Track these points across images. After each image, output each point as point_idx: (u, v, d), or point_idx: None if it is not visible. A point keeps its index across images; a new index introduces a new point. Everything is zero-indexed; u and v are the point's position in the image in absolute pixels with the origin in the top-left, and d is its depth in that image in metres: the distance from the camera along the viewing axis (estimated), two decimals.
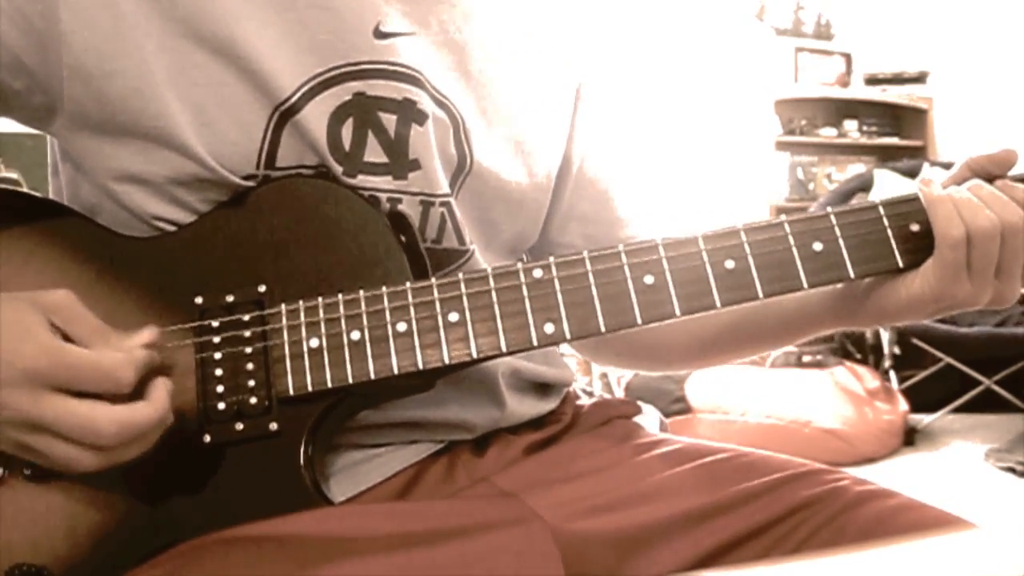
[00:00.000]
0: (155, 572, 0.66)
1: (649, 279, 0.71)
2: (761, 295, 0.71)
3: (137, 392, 0.64)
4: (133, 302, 0.72)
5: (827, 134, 4.69)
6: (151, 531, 0.68)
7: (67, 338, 0.64)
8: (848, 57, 4.80)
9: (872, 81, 4.75)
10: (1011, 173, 0.75)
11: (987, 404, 3.43)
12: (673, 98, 4.23)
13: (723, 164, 4.44)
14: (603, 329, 0.71)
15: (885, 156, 4.58)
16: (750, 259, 0.71)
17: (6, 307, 0.64)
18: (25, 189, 0.77)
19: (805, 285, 0.72)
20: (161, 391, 0.65)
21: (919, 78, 4.67)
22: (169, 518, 0.69)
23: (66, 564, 0.68)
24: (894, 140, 4.74)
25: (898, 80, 4.70)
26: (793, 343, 0.87)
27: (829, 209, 0.73)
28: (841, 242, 0.72)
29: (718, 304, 0.71)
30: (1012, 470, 3.05)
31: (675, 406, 3.14)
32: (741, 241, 0.72)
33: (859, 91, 4.76)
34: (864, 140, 4.73)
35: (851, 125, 4.73)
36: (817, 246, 0.72)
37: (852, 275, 0.72)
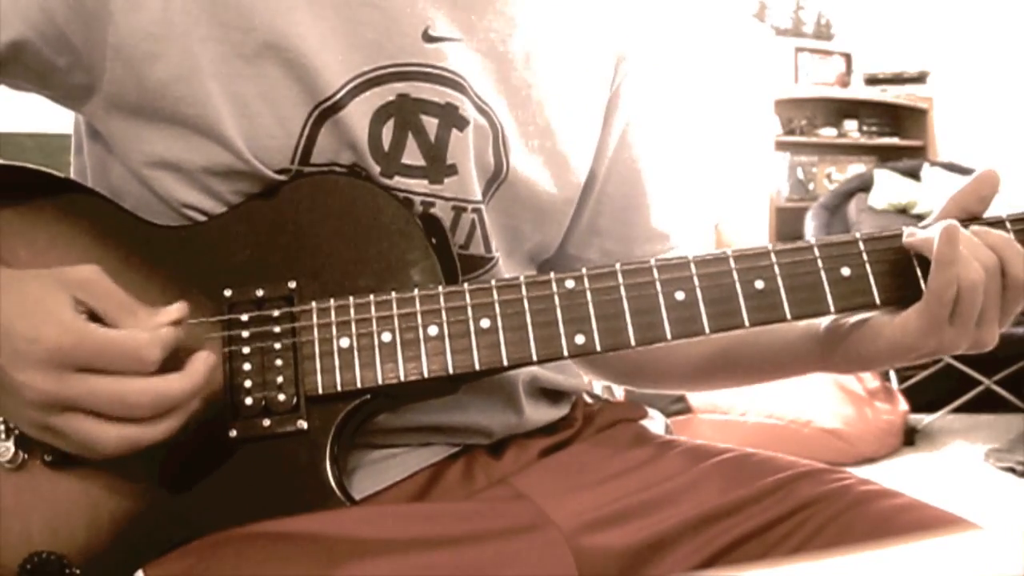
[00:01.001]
0: (176, 565, 0.66)
1: (680, 295, 0.72)
2: (789, 317, 0.72)
3: (169, 369, 0.64)
4: (160, 291, 0.71)
5: (827, 134, 4.68)
6: (172, 523, 0.68)
7: (94, 315, 0.63)
8: (848, 57, 4.79)
9: (872, 81, 4.74)
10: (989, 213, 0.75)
11: (987, 404, 3.43)
12: (673, 98, 4.23)
13: (723, 164, 4.43)
14: (633, 343, 0.71)
15: (885, 156, 4.57)
16: (779, 280, 0.72)
17: (32, 286, 0.63)
18: (49, 170, 0.76)
19: (832, 309, 0.72)
20: (198, 365, 0.64)
21: (919, 78, 4.66)
22: (191, 511, 0.69)
23: (85, 553, 0.68)
24: (894, 140, 4.73)
25: (898, 80, 4.69)
26: (779, 380, 0.87)
27: (858, 235, 0.74)
28: (868, 268, 0.73)
29: (746, 324, 0.72)
30: (1012, 470, 3.05)
31: (675, 406, 3.14)
32: (771, 262, 0.72)
33: (859, 91, 4.75)
34: (864, 140, 4.72)
35: (851, 125, 4.72)
36: (845, 271, 0.72)
37: (878, 301, 0.73)
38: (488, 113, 0.79)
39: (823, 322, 0.79)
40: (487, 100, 0.79)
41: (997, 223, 0.74)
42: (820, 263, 0.73)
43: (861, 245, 0.73)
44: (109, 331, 0.63)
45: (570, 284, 0.72)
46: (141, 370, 0.62)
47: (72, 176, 0.84)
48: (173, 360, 0.64)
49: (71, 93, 0.76)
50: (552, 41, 0.85)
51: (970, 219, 0.74)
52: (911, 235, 0.72)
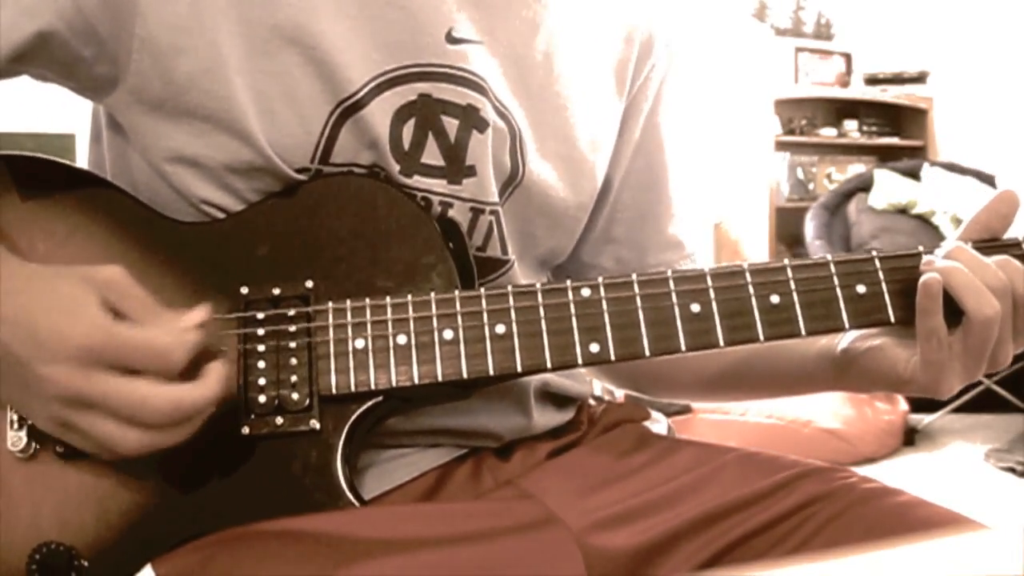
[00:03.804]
0: (184, 560, 0.66)
1: (695, 307, 0.72)
2: (804, 332, 0.72)
3: (186, 374, 0.64)
4: (177, 287, 0.71)
5: (827, 134, 4.69)
6: (182, 519, 0.68)
7: (118, 315, 0.63)
8: (848, 57, 4.79)
9: (872, 81, 4.75)
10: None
11: (987, 404, 3.43)
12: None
13: (723, 164, 4.44)
14: (647, 353, 0.71)
15: (885, 156, 4.58)
16: (795, 296, 0.72)
17: (59, 282, 0.63)
18: (68, 162, 0.76)
19: (847, 326, 0.72)
20: (214, 375, 0.64)
21: (919, 78, 4.66)
22: (200, 507, 0.69)
23: (94, 545, 0.68)
24: (894, 140, 4.73)
25: (898, 80, 4.70)
26: (791, 396, 0.88)
27: (874, 252, 0.73)
28: (884, 286, 0.72)
29: (761, 338, 0.72)
30: (1012, 470, 3.06)
31: (675, 406, 3.14)
32: (787, 277, 0.72)
33: (859, 91, 4.75)
34: (864, 140, 4.72)
35: (851, 125, 4.72)
36: (860, 288, 0.72)
37: (892, 319, 0.72)
38: (507, 116, 0.80)
39: (840, 343, 0.79)
40: (506, 103, 0.80)
41: (1012, 245, 0.74)
42: (836, 280, 0.72)
43: (877, 263, 0.73)
44: (137, 331, 0.63)
45: (586, 292, 0.72)
46: (166, 372, 0.63)
47: (88, 167, 0.84)
48: (192, 364, 0.64)
49: (95, 84, 0.75)
50: (572, 49, 0.85)
51: (983, 241, 0.74)
52: (928, 263, 0.72)
